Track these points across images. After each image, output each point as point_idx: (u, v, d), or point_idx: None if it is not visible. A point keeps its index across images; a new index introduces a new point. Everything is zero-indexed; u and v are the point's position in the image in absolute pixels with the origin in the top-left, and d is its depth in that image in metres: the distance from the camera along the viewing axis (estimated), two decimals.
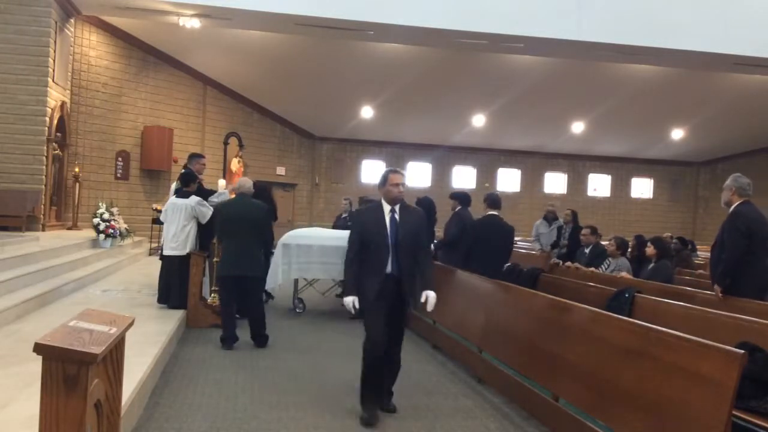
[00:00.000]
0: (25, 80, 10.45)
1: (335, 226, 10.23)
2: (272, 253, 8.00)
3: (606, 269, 7.38)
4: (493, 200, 6.80)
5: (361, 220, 4.45)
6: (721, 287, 4.97)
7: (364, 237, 4.28)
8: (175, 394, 4.57)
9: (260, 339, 6.25)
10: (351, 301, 4.23)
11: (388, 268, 4.23)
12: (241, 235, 6.08)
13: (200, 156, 7.75)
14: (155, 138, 13.93)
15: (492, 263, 6.40)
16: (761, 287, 5.05)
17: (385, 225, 4.28)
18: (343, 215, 10.63)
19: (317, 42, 12.97)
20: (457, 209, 7.71)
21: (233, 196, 6.75)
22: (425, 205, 7.98)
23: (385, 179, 4.37)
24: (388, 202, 4.35)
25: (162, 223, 7.45)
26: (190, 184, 7.17)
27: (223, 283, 6.25)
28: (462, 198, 7.77)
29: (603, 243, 8.24)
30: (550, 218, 10.71)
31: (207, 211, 7.01)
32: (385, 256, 4.22)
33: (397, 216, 4.32)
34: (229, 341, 6.10)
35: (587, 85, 15.07)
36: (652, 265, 6.74)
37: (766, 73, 13.25)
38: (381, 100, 16.21)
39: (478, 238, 6.62)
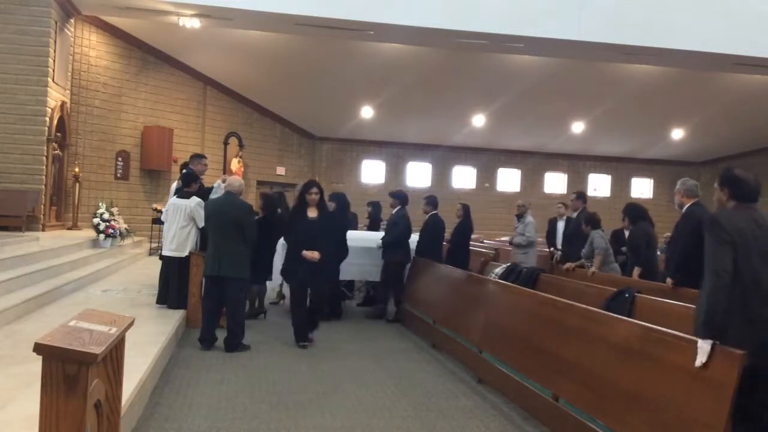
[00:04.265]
0: (25, 80, 10.43)
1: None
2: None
3: (587, 248, 7.44)
4: (435, 202, 8.60)
5: (734, 225, 2.28)
6: (673, 280, 5.47)
7: (745, 261, 2.14)
8: (175, 394, 4.57)
9: (229, 343, 5.97)
10: None
11: None
12: (222, 234, 5.98)
13: (202, 156, 7.75)
14: (155, 138, 13.91)
15: (435, 252, 8.25)
16: None
17: None
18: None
19: (317, 42, 12.96)
20: (398, 208, 8.46)
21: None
22: (341, 202, 8.15)
23: None
24: None
25: (163, 223, 7.44)
26: (191, 184, 7.14)
27: (203, 282, 6.22)
28: (403, 198, 8.61)
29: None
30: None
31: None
32: None
33: None
34: (205, 342, 5.99)
35: (587, 85, 15.05)
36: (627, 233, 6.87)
37: (766, 73, 13.23)
38: (381, 100, 16.18)
39: (425, 233, 8.32)
